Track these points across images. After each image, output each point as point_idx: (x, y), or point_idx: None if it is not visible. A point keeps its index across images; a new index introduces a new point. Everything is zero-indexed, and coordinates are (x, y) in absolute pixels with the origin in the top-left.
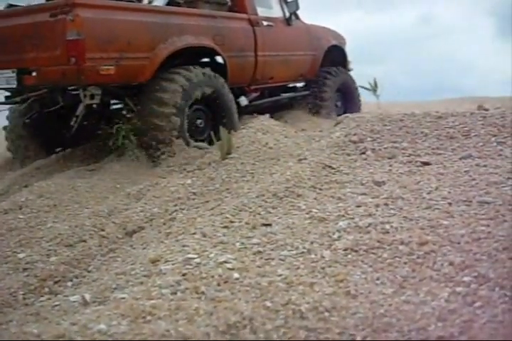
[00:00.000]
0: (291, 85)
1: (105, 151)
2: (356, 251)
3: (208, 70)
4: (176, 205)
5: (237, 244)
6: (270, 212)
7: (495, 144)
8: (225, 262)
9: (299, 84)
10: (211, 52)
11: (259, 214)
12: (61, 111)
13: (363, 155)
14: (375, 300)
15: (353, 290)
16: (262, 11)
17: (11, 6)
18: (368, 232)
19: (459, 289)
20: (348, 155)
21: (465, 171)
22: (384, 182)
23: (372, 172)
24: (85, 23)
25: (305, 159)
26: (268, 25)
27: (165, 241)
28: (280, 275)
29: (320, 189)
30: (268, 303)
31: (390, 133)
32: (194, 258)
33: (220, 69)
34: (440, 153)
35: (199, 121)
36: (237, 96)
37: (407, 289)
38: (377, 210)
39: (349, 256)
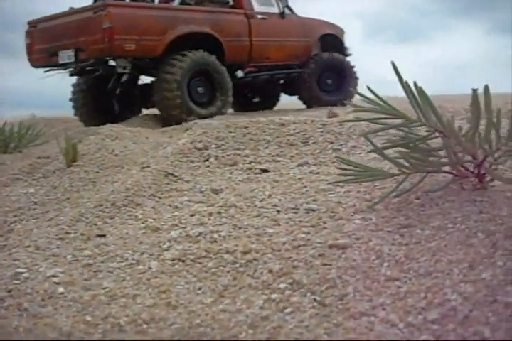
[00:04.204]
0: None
1: None
2: (183, 261)
3: (205, 52)
4: (15, 216)
5: (69, 256)
6: (107, 223)
7: (331, 151)
8: (53, 276)
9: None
10: (213, 38)
11: (95, 224)
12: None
13: (206, 163)
14: (194, 310)
15: (173, 301)
16: (259, 8)
17: (72, 8)
18: (198, 242)
19: (274, 296)
20: (192, 162)
21: (299, 178)
22: (222, 190)
23: (212, 180)
24: (114, 16)
25: (148, 167)
26: (262, 18)
27: None
28: (105, 288)
29: (159, 197)
30: (88, 317)
31: (234, 140)
32: (23, 273)
33: (220, 50)
34: (279, 160)
35: (199, 89)
36: (234, 70)
37: (225, 298)
38: (209, 219)
39: (176, 266)
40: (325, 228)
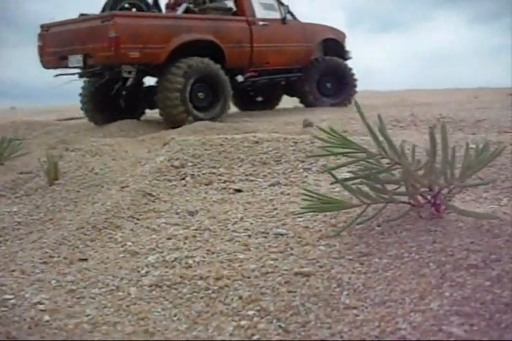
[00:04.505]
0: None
1: None
2: (160, 287)
3: (206, 59)
4: (0, 236)
5: (53, 281)
6: (88, 246)
7: (301, 170)
8: (39, 303)
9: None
10: (214, 45)
11: (77, 247)
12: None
13: (183, 181)
14: (170, 337)
15: (151, 328)
16: (262, 14)
17: (82, 15)
18: (173, 267)
19: (243, 323)
20: (169, 181)
21: (270, 200)
22: (197, 212)
23: (188, 201)
24: (120, 26)
25: (127, 186)
26: (264, 25)
27: None
28: (88, 315)
29: (138, 219)
30: None
31: (209, 158)
32: (10, 299)
33: (221, 56)
34: (252, 180)
35: (200, 94)
36: (235, 75)
37: (199, 324)
38: (185, 243)
39: (153, 292)
40: (292, 254)
